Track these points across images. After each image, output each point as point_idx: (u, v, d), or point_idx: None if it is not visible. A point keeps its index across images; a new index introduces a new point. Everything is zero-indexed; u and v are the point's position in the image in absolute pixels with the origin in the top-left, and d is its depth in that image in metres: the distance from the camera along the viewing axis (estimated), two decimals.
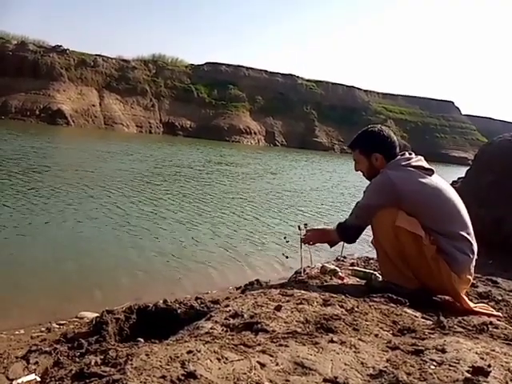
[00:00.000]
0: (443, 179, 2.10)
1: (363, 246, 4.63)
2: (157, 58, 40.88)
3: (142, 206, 7.29)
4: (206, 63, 42.76)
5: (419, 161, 2.08)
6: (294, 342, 1.30)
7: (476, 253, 1.99)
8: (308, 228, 2.41)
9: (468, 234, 1.96)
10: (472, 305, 1.95)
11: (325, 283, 2.24)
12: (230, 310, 1.65)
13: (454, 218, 1.98)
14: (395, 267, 2.03)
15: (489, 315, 1.87)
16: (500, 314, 1.94)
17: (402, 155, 2.14)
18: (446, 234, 1.94)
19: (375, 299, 1.84)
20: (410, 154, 2.14)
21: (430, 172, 2.04)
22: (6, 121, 27.75)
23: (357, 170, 2.26)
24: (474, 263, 1.99)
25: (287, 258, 4.12)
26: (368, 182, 2.16)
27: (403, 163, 2.06)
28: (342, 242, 2.35)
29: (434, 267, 1.92)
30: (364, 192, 2.11)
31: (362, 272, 2.44)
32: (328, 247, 2.43)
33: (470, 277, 2.00)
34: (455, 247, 1.93)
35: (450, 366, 1.15)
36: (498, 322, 1.75)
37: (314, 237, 2.34)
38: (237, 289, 3.55)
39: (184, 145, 25.58)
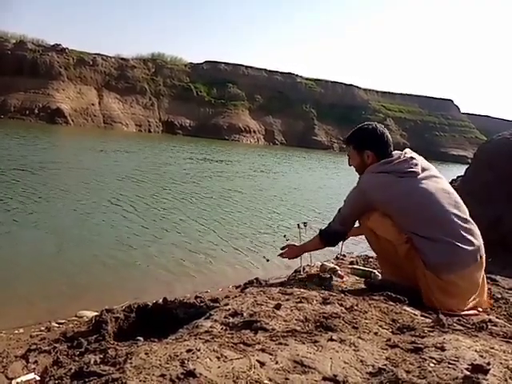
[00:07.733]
0: (435, 180, 1.98)
1: (363, 245, 4.63)
2: (156, 56, 40.83)
3: (139, 205, 7.29)
4: (205, 62, 42.71)
5: (402, 163, 1.99)
6: (294, 340, 1.30)
7: (463, 254, 1.84)
8: (286, 243, 2.47)
9: (447, 235, 1.85)
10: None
11: (324, 282, 2.24)
12: (229, 309, 1.65)
13: (431, 220, 1.89)
14: (390, 266, 2.05)
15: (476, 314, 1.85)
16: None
17: (390, 155, 2.07)
18: (423, 236, 1.88)
19: (374, 297, 1.84)
20: (400, 153, 2.06)
21: (413, 174, 1.95)
22: (5, 120, 27.70)
23: (350, 165, 2.27)
24: (462, 264, 1.85)
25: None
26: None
27: (379, 169, 2.02)
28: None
29: (407, 266, 1.93)
30: (344, 201, 2.15)
31: (362, 270, 2.45)
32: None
33: (456, 279, 1.84)
34: (433, 248, 1.85)
35: (449, 363, 1.15)
36: (497, 320, 1.75)
37: (290, 253, 2.42)
38: (236, 287, 3.54)
39: (184, 144, 25.55)
